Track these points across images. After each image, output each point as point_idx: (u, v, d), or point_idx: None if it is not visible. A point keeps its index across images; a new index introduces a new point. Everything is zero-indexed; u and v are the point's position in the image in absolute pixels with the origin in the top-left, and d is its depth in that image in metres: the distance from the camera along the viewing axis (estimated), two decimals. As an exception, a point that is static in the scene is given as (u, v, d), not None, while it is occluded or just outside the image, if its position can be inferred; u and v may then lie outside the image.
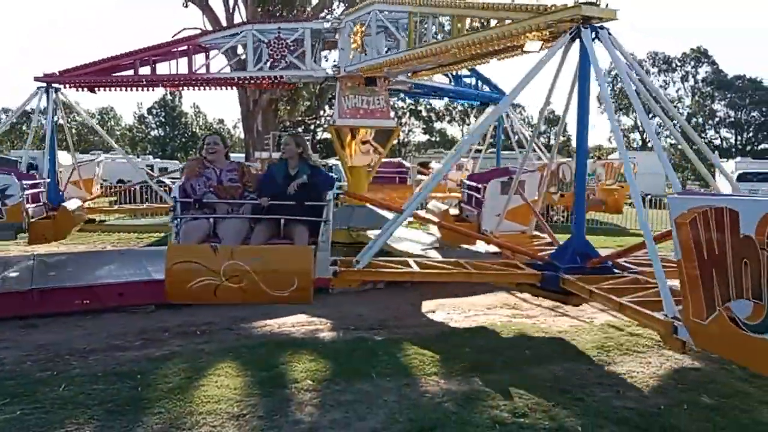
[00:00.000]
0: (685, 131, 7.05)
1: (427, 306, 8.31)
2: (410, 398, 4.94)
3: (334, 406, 4.76)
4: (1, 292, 7.28)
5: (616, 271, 6.05)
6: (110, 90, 11.70)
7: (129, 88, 11.73)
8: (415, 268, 5.94)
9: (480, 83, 13.73)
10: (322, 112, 42.63)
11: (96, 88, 11.60)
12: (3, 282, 7.83)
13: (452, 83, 13.09)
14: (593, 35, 5.79)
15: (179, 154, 64.73)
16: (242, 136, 33.69)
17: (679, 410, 4.75)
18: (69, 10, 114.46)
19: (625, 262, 6.35)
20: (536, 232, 8.80)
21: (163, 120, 73.34)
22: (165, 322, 7.26)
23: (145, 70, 11.42)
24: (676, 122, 7.52)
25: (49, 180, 11.23)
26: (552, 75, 6.69)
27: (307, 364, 5.75)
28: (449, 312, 7.91)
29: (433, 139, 75.13)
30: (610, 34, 5.82)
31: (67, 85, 11.63)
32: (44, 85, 11.32)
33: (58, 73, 11.33)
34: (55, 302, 7.48)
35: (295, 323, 7.28)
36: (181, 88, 12.32)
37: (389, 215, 11.06)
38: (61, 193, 11.83)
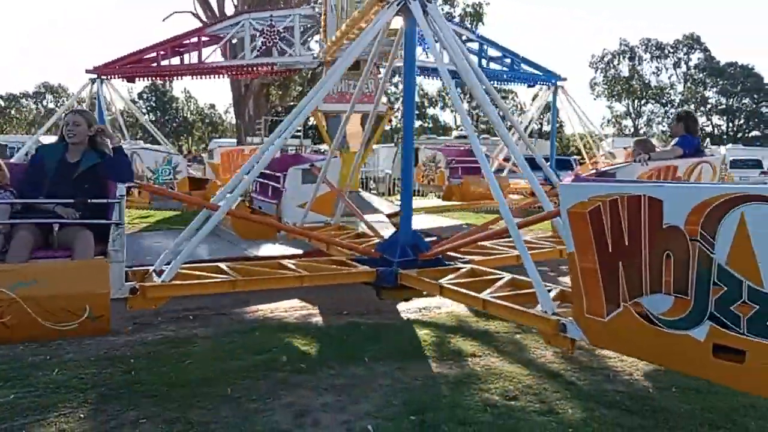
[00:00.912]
0: (509, 119, 6.92)
1: (419, 291, 8.35)
2: (403, 382, 4.97)
3: (327, 390, 4.79)
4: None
5: (447, 263, 5.77)
6: (144, 80, 13.50)
7: (158, 78, 12.93)
8: (234, 276, 5.06)
9: (515, 62, 13.64)
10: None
11: (135, 78, 12.97)
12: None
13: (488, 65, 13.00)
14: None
15: (170, 139, 64.60)
16: (234, 121, 33.50)
17: (668, 393, 4.81)
18: (69, 10, 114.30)
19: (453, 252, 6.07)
20: (342, 223, 8.34)
21: (153, 105, 72.88)
22: (158, 308, 7.25)
23: (165, 61, 12.16)
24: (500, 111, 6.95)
25: None
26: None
27: (301, 348, 5.78)
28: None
29: (425, 124, 74.97)
30: (436, 8, 5.63)
31: (112, 76, 12.58)
32: (95, 76, 12.41)
33: (101, 66, 12.46)
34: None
35: (288, 308, 7.30)
36: (196, 77, 12.78)
37: (377, 201, 11.05)
38: None
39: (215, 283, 4.94)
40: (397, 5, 5.60)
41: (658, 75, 67.29)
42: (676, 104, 65.93)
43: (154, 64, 12.14)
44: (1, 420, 4.18)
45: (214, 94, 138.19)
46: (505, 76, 14.04)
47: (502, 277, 5.06)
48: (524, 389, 4.83)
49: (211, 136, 65.46)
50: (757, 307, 2.45)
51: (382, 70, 10.39)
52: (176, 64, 12.16)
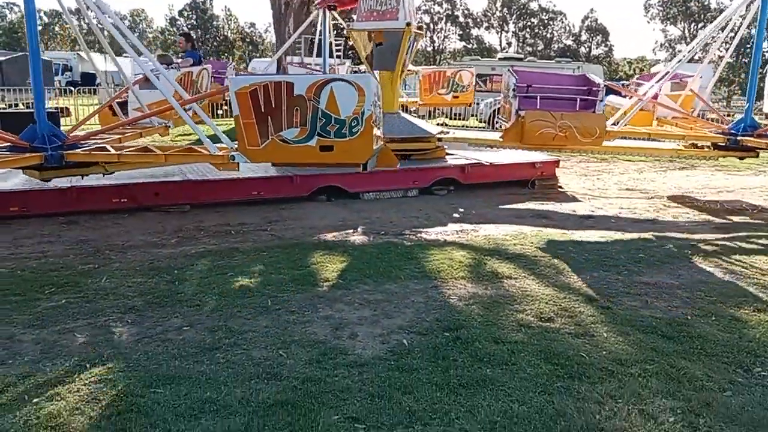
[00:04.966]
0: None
1: (457, 214, 8.34)
2: (437, 300, 5.03)
3: (363, 305, 4.88)
4: (42, 189, 7.48)
5: (83, 145, 6.71)
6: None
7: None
8: None
9: None
10: (355, 17, 41.42)
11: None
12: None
13: None
14: None
15: (211, 58, 64.53)
16: (273, 40, 33.01)
17: (706, 320, 4.76)
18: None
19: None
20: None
21: (194, 23, 72.38)
22: (200, 222, 7.43)
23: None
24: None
25: None
26: None
27: (338, 265, 5.87)
28: (479, 221, 7.91)
29: (469, 46, 72.82)
30: None
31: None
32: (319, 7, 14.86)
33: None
34: (93, 200, 7.68)
35: (327, 226, 7.39)
36: None
37: (425, 124, 10.98)
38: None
39: None
40: None
41: (718, -4, 63.28)
42: (737, 28, 62.16)
43: None
44: (54, 322, 4.40)
45: (254, 12, 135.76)
46: None
47: (147, 145, 6.74)
48: (560, 311, 4.83)
49: (252, 55, 64.96)
50: (338, 125, 5.68)
51: None
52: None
